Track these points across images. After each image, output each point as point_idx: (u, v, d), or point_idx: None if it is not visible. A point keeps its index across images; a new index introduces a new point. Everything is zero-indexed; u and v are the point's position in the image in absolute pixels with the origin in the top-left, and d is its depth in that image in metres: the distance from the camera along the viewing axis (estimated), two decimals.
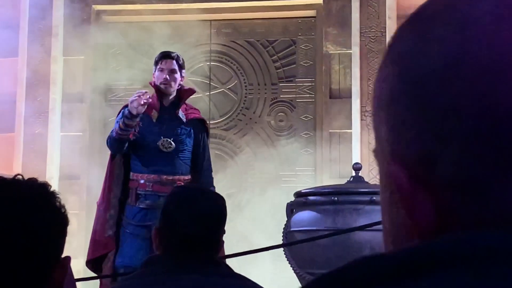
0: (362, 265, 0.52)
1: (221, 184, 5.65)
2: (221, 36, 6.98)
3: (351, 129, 6.41)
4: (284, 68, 6.90)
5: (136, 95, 4.52)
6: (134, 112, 4.49)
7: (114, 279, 4.49)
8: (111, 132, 4.68)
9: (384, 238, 0.61)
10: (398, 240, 0.59)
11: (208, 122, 5.44)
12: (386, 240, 0.61)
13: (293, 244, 4.34)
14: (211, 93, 6.94)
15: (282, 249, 4.47)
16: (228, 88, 6.96)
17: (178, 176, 4.67)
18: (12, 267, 1.25)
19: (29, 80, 6.75)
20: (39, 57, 6.80)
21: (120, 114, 4.63)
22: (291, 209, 4.59)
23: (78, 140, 6.72)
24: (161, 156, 4.65)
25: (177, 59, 4.76)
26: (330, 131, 6.49)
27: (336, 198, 4.38)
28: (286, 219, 4.60)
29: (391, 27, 6.45)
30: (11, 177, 1.33)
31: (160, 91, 4.73)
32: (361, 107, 6.42)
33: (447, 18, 0.56)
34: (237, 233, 6.10)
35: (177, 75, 4.73)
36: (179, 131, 4.73)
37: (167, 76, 4.69)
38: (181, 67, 4.76)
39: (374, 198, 4.28)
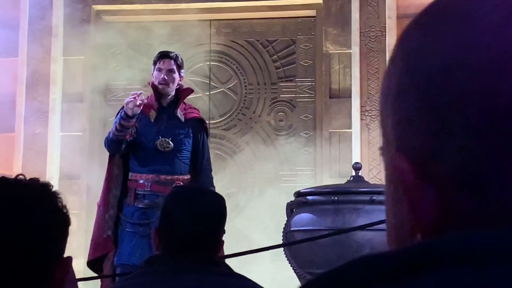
0: (362, 264, 0.52)
1: (221, 184, 5.65)
2: (221, 36, 6.98)
3: (351, 128, 6.41)
4: (284, 68, 6.90)
5: (131, 96, 4.53)
6: (130, 113, 4.50)
7: (115, 279, 4.49)
8: (109, 133, 4.69)
9: (387, 235, 0.62)
10: (401, 236, 0.59)
11: (208, 122, 5.44)
12: (389, 237, 0.61)
13: (293, 243, 4.34)
14: (211, 93, 6.94)
15: (282, 248, 4.47)
16: (228, 88, 6.96)
17: (177, 176, 4.67)
18: (12, 267, 1.25)
19: (29, 80, 6.75)
20: (39, 57, 6.80)
21: (118, 115, 4.63)
22: (291, 208, 4.59)
23: (78, 140, 6.72)
24: (160, 156, 4.65)
25: (176, 58, 4.76)
26: (330, 130, 6.49)
27: (336, 198, 4.38)
28: (286, 218, 4.60)
29: (391, 27, 6.45)
30: (13, 177, 1.33)
31: (158, 91, 4.73)
32: (361, 106, 6.42)
33: (451, 16, 0.57)
34: (237, 233, 6.11)
35: (176, 75, 4.73)
36: (178, 131, 4.73)
37: (165, 76, 4.69)
38: (179, 66, 4.76)
39: (374, 197, 4.28)
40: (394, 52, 0.60)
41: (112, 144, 4.66)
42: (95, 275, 4.64)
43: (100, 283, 4.79)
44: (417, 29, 0.59)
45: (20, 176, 1.33)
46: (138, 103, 4.47)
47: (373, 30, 6.52)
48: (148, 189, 4.65)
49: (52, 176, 6.52)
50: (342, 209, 4.34)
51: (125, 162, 4.78)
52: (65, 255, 1.34)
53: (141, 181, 4.66)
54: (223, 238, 2.38)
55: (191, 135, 4.77)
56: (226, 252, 4.14)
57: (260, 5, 6.79)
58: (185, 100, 4.89)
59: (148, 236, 4.48)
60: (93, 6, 6.90)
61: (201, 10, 6.82)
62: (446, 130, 0.55)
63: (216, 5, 6.81)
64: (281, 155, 6.69)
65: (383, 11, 6.51)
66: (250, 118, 6.88)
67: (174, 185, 4.48)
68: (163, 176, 4.65)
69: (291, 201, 4.64)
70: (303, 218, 4.46)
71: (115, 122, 4.61)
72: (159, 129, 4.70)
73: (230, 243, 4.25)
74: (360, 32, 6.51)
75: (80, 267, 5.28)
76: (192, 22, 6.83)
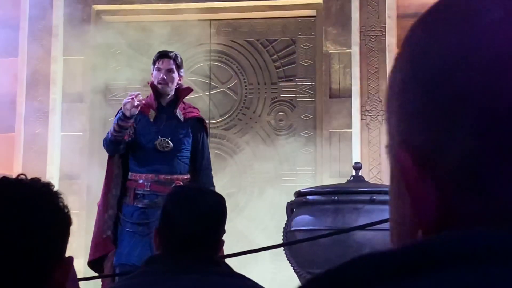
0: (361, 263, 0.52)
1: (221, 184, 5.65)
2: (221, 35, 6.98)
3: (351, 128, 6.41)
4: (284, 68, 6.90)
5: (129, 97, 4.54)
6: (128, 114, 4.51)
7: (114, 279, 4.49)
8: (107, 133, 4.70)
9: (390, 231, 0.62)
10: (403, 232, 0.59)
11: (208, 121, 5.44)
12: (392, 233, 0.61)
13: (293, 243, 4.34)
14: (211, 92, 6.94)
15: (282, 248, 4.47)
16: (228, 87, 6.96)
17: (176, 176, 4.67)
18: (13, 267, 1.25)
19: (29, 80, 6.75)
20: (39, 57, 6.80)
21: (117, 115, 4.64)
22: (291, 208, 4.59)
23: (78, 140, 6.72)
24: (159, 155, 4.65)
25: (175, 58, 4.75)
26: (330, 130, 6.49)
27: (336, 198, 4.38)
28: (286, 218, 4.60)
29: (391, 27, 6.45)
30: (14, 177, 1.33)
31: (158, 91, 4.73)
32: (361, 106, 6.42)
33: (454, 15, 0.57)
34: (237, 233, 6.11)
35: (175, 75, 4.73)
36: (177, 130, 4.73)
37: (164, 76, 4.69)
38: (178, 66, 4.76)
39: (374, 197, 4.28)
40: (400, 50, 0.61)
41: (110, 144, 4.67)
42: (96, 274, 4.64)
43: (101, 283, 4.79)
44: (421, 28, 0.59)
45: (22, 176, 1.33)
46: (136, 104, 4.48)
47: (373, 29, 6.52)
48: (148, 189, 4.65)
49: (52, 176, 6.52)
50: (342, 209, 4.34)
51: (124, 162, 4.78)
52: (66, 255, 1.34)
53: (141, 181, 4.66)
54: (223, 238, 2.38)
55: (191, 134, 4.77)
56: (226, 252, 4.14)
57: (260, 5, 6.79)
58: (185, 100, 4.89)
59: (147, 235, 4.48)
60: (93, 6, 6.90)
61: (201, 10, 6.82)
62: (447, 128, 0.55)
63: (216, 5, 6.81)
64: (281, 155, 6.69)
65: (383, 11, 6.51)
66: (250, 118, 6.88)
67: (173, 185, 4.49)
68: (163, 176, 4.65)
69: (291, 201, 4.64)
70: (303, 218, 4.46)
71: (114, 123, 4.62)
72: (158, 129, 4.70)
73: (230, 243, 4.24)
74: (360, 32, 6.51)
75: (80, 267, 5.28)
76: (192, 22, 6.83)
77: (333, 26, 6.61)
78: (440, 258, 0.51)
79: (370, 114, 6.40)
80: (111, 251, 4.66)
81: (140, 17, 6.92)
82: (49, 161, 6.65)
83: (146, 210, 4.62)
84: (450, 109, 0.55)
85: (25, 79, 6.75)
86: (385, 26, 6.47)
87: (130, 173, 4.72)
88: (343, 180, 4.98)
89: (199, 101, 6.45)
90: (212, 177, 4.86)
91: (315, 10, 6.77)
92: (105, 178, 4.81)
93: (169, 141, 4.67)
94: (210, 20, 6.96)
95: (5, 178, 1.32)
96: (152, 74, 4.78)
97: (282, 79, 6.89)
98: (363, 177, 4.73)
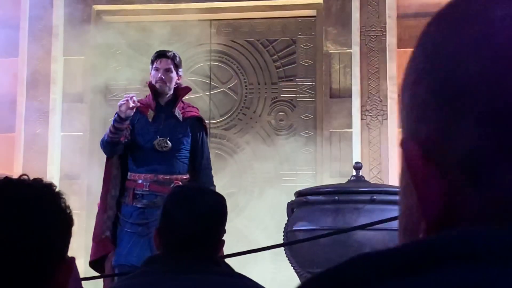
0: (362, 262, 0.52)
1: (221, 184, 5.65)
2: (221, 35, 6.98)
3: (351, 128, 6.41)
4: (284, 68, 6.90)
5: (124, 99, 4.53)
6: (123, 116, 4.51)
7: (114, 279, 4.49)
8: (104, 135, 4.70)
9: (398, 224, 0.62)
10: (410, 225, 0.60)
11: (208, 121, 5.44)
12: (400, 225, 0.62)
13: (293, 243, 4.34)
14: (211, 92, 6.95)
15: (282, 248, 4.47)
16: (228, 87, 6.97)
17: (175, 176, 4.67)
18: (14, 267, 1.25)
19: (29, 80, 6.75)
20: (39, 57, 6.80)
21: (115, 117, 4.65)
22: (291, 208, 4.59)
23: (78, 140, 6.72)
24: (158, 155, 4.65)
25: (173, 58, 4.75)
26: (330, 130, 6.49)
27: (336, 197, 4.38)
28: (286, 218, 4.60)
29: (391, 26, 6.45)
30: (15, 177, 1.33)
31: (156, 90, 4.73)
32: (361, 106, 6.42)
33: (470, 9, 0.58)
34: (237, 233, 6.11)
35: (173, 74, 4.73)
36: (176, 130, 4.72)
37: (162, 75, 4.69)
38: (177, 66, 4.75)
39: (375, 197, 4.29)
40: (416, 43, 0.62)
41: (107, 145, 4.67)
42: (96, 274, 4.65)
43: (102, 284, 4.80)
44: (437, 21, 0.60)
45: (24, 177, 1.33)
46: (131, 106, 4.48)
47: (373, 29, 6.52)
48: (147, 189, 4.65)
49: (53, 176, 6.52)
50: (342, 208, 4.34)
51: (123, 162, 4.78)
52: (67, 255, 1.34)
53: (140, 181, 4.66)
54: (224, 238, 2.38)
55: (190, 134, 4.76)
56: (226, 252, 4.14)
57: (260, 5, 6.79)
58: (185, 99, 4.89)
59: (146, 236, 4.48)
60: (93, 6, 6.91)
61: (201, 10, 6.82)
62: (454, 119, 0.55)
63: (216, 5, 6.81)
64: (282, 155, 6.69)
65: (383, 11, 6.51)
66: (251, 118, 6.89)
67: (173, 185, 4.49)
68: (162, 176, 4.65)
69: (292, 200, 4.64)
70: (304, 217, 4.46)
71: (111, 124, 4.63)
72: (157, 129, 4.69)
73: (230, 243, 4.23)
74: (361, 32, 6.51)
75: (80, 267, 5.28)
76: (192, 22, 6.83)
77: (333, 26, 6.61)
78: (440, 257, 0.51)
79: (370, 114, 6.40)
80: (111, 252, 4.66)
81: (140, 17, 6.93)
82: (49, 161, 6.66)
83: (145, 210, 4.62)
84: (457, 99, 0.55)
85: (25, 79, 6.75)
86: (386, 26, 6.47)
87: (129, 173, 4.71)
88: (343, 180, 4.98)
89: (199, 101, 6.45)
90: (212, 177, 4.85)
91: (315, 10, 6.78)
92: (104, 180, 4.80)
93: (168, 141, 4.66)
94: (210, 20, 6.96)
95: (7, 179, 1.32)
96: (150, 73, 4.78)
97: (282, 79, 6.90)
98: (363, 177, 4.73)
